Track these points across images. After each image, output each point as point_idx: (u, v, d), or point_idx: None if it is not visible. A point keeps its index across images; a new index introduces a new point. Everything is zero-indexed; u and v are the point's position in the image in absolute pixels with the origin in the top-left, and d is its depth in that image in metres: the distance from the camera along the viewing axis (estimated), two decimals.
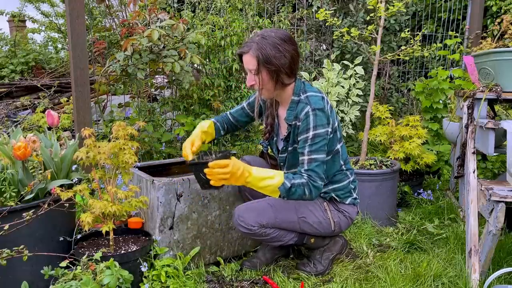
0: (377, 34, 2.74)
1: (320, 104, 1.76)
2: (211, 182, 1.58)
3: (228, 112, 2.08)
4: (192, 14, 3.41)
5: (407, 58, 2.81)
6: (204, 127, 1.91)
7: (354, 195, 1.98)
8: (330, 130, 1.77)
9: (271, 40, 1.71)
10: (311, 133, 1.73)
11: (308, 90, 1.82)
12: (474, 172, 2.10)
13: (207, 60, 3.30)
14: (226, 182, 1.62)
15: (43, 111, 3.58)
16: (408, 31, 2.81)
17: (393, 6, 2.63)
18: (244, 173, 1.63)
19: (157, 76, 3.38)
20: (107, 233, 1.78)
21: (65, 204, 1.75)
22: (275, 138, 2.00)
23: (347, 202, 1.94)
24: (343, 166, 1.94)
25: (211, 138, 1.98)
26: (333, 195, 1.91)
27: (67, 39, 3.89)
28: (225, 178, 1.59)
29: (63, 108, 3.72)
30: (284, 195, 1.70)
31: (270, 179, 1.67)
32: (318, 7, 3.84)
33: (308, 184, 1.71)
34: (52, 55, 5.23)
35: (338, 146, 1.89)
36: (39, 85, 4.17)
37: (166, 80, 3.30)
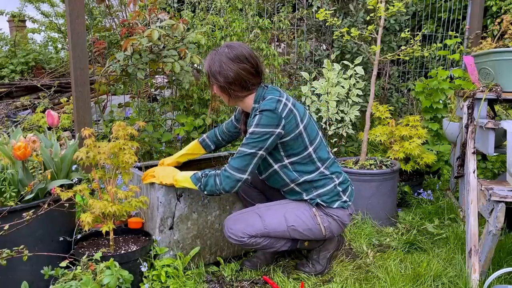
0: (377, 34, 2.74)
1: (270, 105, 1.73)
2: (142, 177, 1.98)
3: (222, 124, 2.23)
4: (192, 14, 3.41)
5: (407, 58, 2.81)
6: (181, 153, 2.18)
7: (344, 198, 1.90)
8: (278, 131, 1.73)
9: (219, 57, 1.80)
10: (250, 130, 1.74)
11: (267, 95, 1.80)
12: (474, 172, 2.10)
13: None
14: (156, 180, 1.88)
15: (43, 111, 3.58)
16: (408, 31, 2.81)
17: (393, 6, 2.63)
18: (168, 176, 1.86)
19: (157, 76, 3.38)
20: (107, 233, 1.78)
21: (65, 204, 1.75)
22: None
23: (334, 206, 1.87)
24: (324, 170, 1.87)
25: (193, 157, 2.23)
26: (318, 200, 1.86)
27: (67, 39, 3.89)
28: (153, 176, 1.90)
29: (63, 108, 3.72)
30: (197, 184, 1.78)
31: (188, 175, 1.81)
32: (318, 7, 3.84)
33: (219, 174, 1.74)
34: (52, 55, 5.23)
35: (310, 149, 1.83)
36: (39, 85, 4.16)
37: (166, 80, 3.30)
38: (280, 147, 1.80)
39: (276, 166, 1.86)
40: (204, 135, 2.23)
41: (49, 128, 3.05)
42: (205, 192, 1.77)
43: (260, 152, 1.74)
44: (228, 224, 1.88)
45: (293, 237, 1.91)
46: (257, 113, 1.75)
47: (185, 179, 1.81)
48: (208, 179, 1.75)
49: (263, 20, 3.38)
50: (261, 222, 1.85)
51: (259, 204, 1.97)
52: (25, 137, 1.78)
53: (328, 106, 3.07)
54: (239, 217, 1.89)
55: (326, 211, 1.88)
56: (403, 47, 2.79)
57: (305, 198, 1.89)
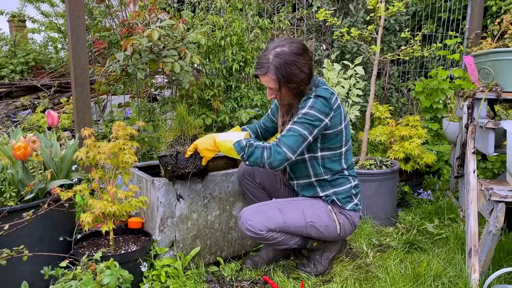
0: (377, 34, 2.74)
1: (325, 93, 1.76)
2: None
3: (259, 120, 2.20)
4: (192, 14, 3.41)
5: (407, 58, 2.81)
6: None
7: (356, 201, 1.95)
8: (326, 121, 1.75)
9: (288, 58, 1.72)
10: (304, 110, 1.73)
11: (320, 85, 1.84)
12: (474, 172, 2.10)
13: (207, 60, 3.30)
14: (195, 147, 1.82)
15: (43, 111, 3.58)
16: (408, 31, 2.81)
17: (393, 6, 2.63)
18: (209, 143, 1.80)
19: (157, 76, 3.38)
20: (107, 233, 1.78)
21: (65, 204, 1.75)
22: None
23: (347, 208, 1.92)
24: (346, 171, 1.93)
25: None
26: (334, 198, 1.91)
27: (67, 39, 3.89)
28: (196, 145, 1.82)
29: (63, 108, 3.72)
30: (240, 153, 1.72)
31: (231, 139, 1.76)
32: (318, 7, 3.84)
33: (270, 148, 1.69)
34: (52, 55, 5.23)
35: (343, 149, 1.88)
36: (39, 85, 4.16)
37: (166, 80, 3.30)
38: (319, 138, 1.82)
39: (306, 156, 1.87)
40: (245, 126, 2.16)
41: (49, 128, 3.05)
42: (247, 162, 1.73)
43: (310, 138, 1.73)
44: (246, 216, 1.82)
45: (309, 234, 1.91)
46: (311, 96, 1.76)
47: (225, 142, 1.75)
48: (254, 150, 1.70)
49: (263, 20, 3.38)
50: (281, 216, 1.84)
51: (276, 199, 1.97)
52: (25, 137, 1.78)
53: None
54: (258, 209, 1.85)
55: (341, 209, 1.92)
56: (403, 47, 2.79)
57: (321, 194, 1.91)
